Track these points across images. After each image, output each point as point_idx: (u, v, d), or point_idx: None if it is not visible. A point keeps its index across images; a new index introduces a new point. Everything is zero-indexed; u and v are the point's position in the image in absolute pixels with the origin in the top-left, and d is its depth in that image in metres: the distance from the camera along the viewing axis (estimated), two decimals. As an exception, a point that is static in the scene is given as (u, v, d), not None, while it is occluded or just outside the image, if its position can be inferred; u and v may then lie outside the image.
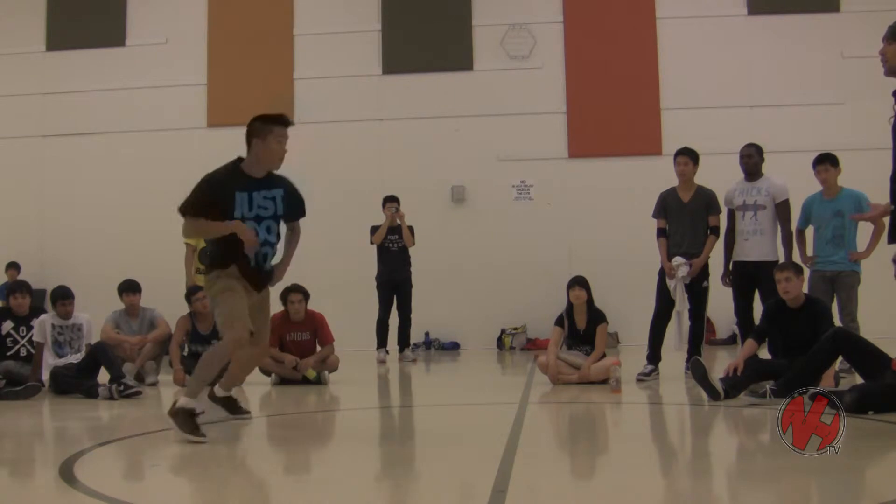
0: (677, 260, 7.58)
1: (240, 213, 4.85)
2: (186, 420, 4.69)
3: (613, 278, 11.46)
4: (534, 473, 3.92)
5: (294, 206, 5.18)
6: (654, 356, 7.62)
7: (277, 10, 13.42)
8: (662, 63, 12.87)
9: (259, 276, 5.04)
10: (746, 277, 7.57)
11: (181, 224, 4.91)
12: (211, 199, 4.82)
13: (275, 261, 5.21)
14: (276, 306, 8.12)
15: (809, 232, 7.87)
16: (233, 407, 5.63)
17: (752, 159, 7.68)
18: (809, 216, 7.78)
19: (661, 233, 7.81)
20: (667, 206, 7.81)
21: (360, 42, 13.33)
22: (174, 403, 4.79)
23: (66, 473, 3.86)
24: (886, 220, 7.60)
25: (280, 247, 5.19)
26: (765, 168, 7.76)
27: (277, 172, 5.12)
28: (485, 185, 12.92)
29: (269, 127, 5.00)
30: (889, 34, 4.52)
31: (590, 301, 7.53)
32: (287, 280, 8.26)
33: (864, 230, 7.68)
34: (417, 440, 5.24)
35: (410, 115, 13.06)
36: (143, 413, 6.33)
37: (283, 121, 5.06)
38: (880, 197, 7.96)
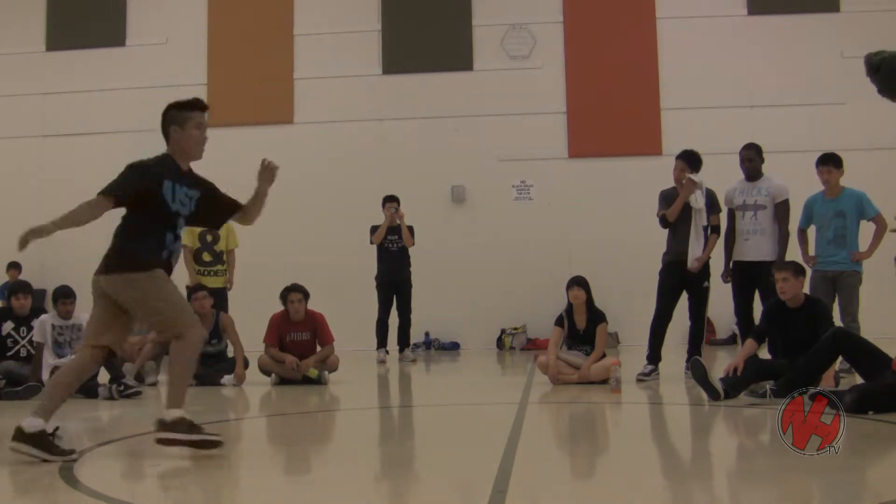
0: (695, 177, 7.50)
1: (168, 200, 4.61)
2: (189, 427, 4.27)
3: (613, 278, 11.47)
4: (534, 473, 3.92)
5: (216, 213, 5.00)
6: (654, 356, 7.62)
7: (277, 10, 13.42)
8: (662, 63, 12.88)
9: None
10: (746, 277, 7.57)
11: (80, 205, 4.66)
12: (139, 182, 4.57)
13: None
14: (276, 306, 8.16)
15: (811, 232, 7.87)
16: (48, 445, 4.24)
17: (752, 163, 7.66)
18: (811, 216, 7.78)
19: (664, 220, 7.68)
20: (668, 203, 7.79)
21: (360, 42, 13.33)
22: (162, 422, 4.32)
23: (66, 473, 3.86)
24: (889, 219, 7.66)
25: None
26: (765, 168, 7.76)
27: (202, 175, 4.88)
28: (485, 185, 12.92)
29: (184, 113, 4.78)
30: (872, 69, 4.51)
31: (589, 301, 7.53)
32: (286, 279, 8.32)
33: (866, 230, 7.68)
34: (417, 440, 5.24)
35: (410, 115, 13.07)
36: (143, 413, 6.33)
37: (200, 105, 4.81)
38: (880, 197, 8.01)
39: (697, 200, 7.49)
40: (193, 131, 4.76)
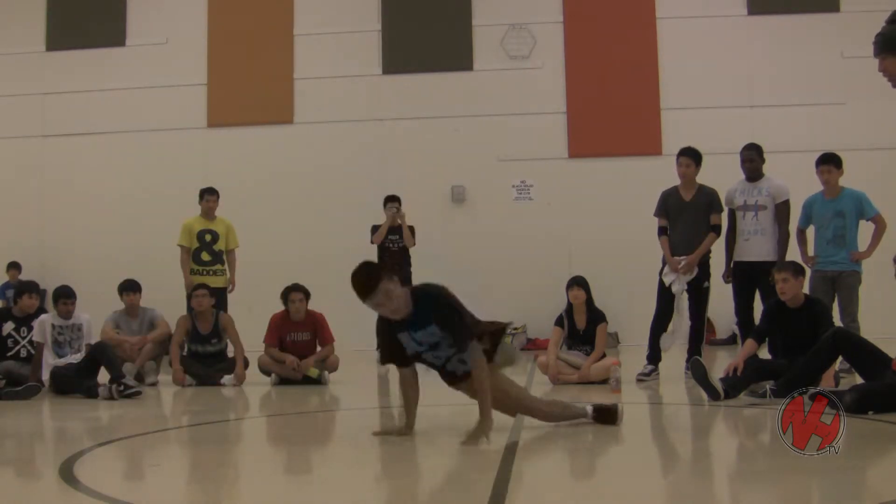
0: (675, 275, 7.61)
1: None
2: None
3: (613, 278, 11.45)
4: (534, 473, 3.92)
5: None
6: (654, 356, 7.62)
7: (277, 10, 13.41)
8: (662, 63, 12.86)
9: None
10: (747, 277, 7.57)
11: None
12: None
13: None
14: (276, 305, 8.16)
15: (811, 232, 7.87)
16: None
17: (753, 164, 7.68)
18: (810, 216, 7.78)
19: (662, 231, 7.80)
20: (668, 204, 7.81)
21: (360, 42, 13.32)
22: None
23: (66, 473, 3.86)
24: (888, 219, 7.66)
25: None
26: (765, 168, 7.76)
27: None
28: (485, 185, 12.91)
29: None
30: (880, 49, 4.50)
31: (589, 301, 7.53)
32: (286, 279, 8.32)
33: (866, 230, 7.68)
34: (417, 440, 5.24)
35: (410, 115, 13.06)
36: (143, 413, 6.33)
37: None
38: (881, 197, 8.01)
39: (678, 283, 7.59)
40: None
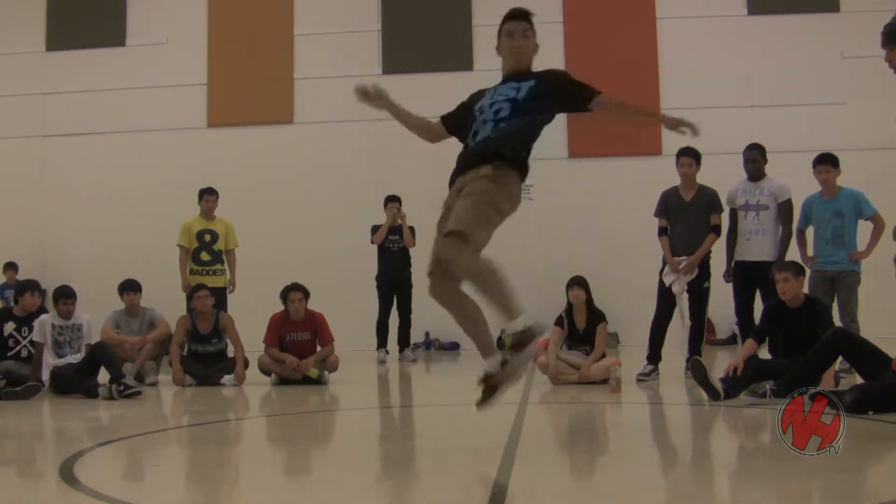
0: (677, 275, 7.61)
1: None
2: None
3: (613, 278, 11.45)
4: (534, 473, 3.92)
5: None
6: (654, 356, 7.62)
7: (277, 10, 13.42)
8: (662, 63, 12.87)
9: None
10: (747, 277, 7.58)
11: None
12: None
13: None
14: (276, 305, 8.16)
15: (810, 232, 7.87)
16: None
17: (755, 164, 7.69)
18: (809, 216, 7.79)
19: (662, 231, 7.81)
20: (668, 205, 7.81)
21: (360, 42, 13.32)
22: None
23: (66, 473, 3.86)
24: (888, 219, 7.66)
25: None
26: (767, 168, 7.76)
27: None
28: (485, 185, 12.90)
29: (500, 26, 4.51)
30: (887, 40, 4.50)
31: (589, 301, 7.53)
32: (286, 279, 8.31)
33: (865, 230, 7.68)
34: (417, 440, 5.24)
35: (411, 115, 13.05)
36: (143, 413, 6.33)
37: (510, 15, 4.47)
38: (881, 197, 8.01)
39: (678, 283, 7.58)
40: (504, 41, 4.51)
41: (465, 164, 4.40)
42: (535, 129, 4.42)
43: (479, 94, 4.63)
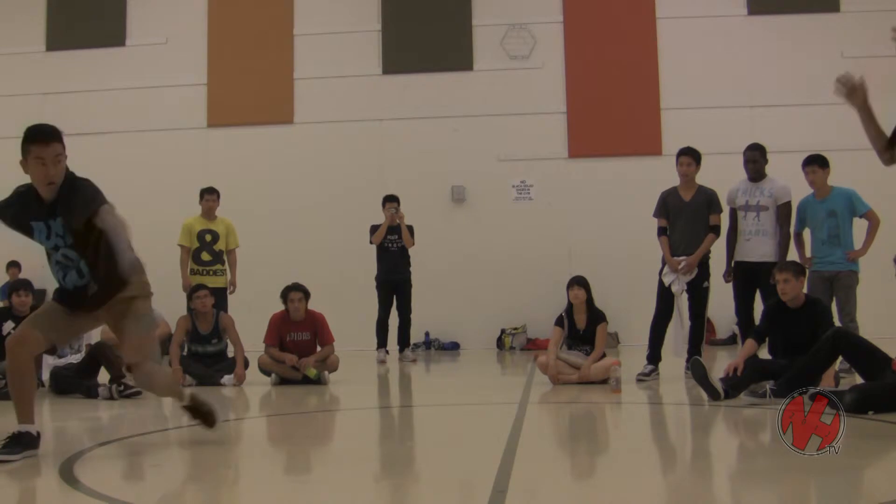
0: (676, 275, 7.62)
1: (39, 241, 4.30)
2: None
3: (613, 278, 11.46)
4: (534, 473, 3.92)
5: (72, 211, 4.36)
6: (654, 356, 7.62)
7: (277, 10, 13.42)
8: (662, 63, 12.87)
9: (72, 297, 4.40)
10: (747, 277, 7.57)
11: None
12: (9, 225, 4.24)
13: None
14: (276, 306, 8.16)
15: (807, 234, 7.87)
16: None
17: (756, 164, 7.68)
18: (805, 218, 7.78)
19: (662, 231, 7.82)
20: (667, 205, 7.81)
21: (360, 42, 13.33)
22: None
23: (66, 473, 3.86)
24: (889, 219, 7.66)
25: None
26: (767, 169, 7.76)
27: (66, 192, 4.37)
28: (485, 185, 12.92)
29: (25, 147, 4.24)
30: None
31: (589, 301, 7.54)
32: (286, 279, 8.31)
33: (860, 228, 7.67)
34: (417, 440, 5.24)
35: (410, 115, 13.06)
36: (143, 413, 6.33)
37: (34, 137, 4.26)
38: (881, 197, 8.01)
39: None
40: (33, 168, 4.31)
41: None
42: None
43: None
